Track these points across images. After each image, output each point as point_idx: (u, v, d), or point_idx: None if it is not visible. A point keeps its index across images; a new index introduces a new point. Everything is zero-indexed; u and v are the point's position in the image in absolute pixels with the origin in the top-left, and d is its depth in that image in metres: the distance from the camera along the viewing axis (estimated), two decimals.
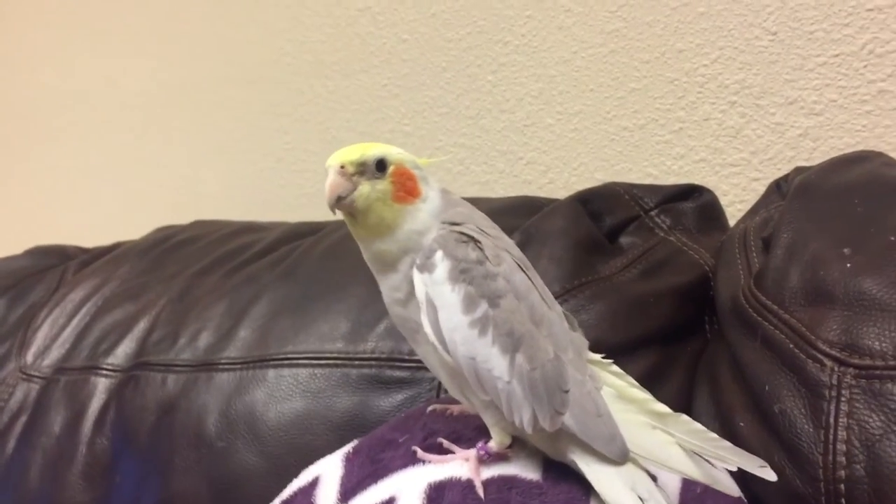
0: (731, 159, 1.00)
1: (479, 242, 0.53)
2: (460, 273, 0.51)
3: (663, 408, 0.52)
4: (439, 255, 0.52)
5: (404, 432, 0.59)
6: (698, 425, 0.51)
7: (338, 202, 0.51)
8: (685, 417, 0.52)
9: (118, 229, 1.30)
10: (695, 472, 0.50)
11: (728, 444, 0.50)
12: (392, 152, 0.53)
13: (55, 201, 1.70)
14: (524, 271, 0.54)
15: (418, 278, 0.52)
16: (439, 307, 0.51)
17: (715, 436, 0.51)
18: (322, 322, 0.83)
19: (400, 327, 0.57)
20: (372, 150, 0.52)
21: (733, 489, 0.51)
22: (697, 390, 0.73)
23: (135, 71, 1.54)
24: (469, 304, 0.51)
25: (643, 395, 0.53)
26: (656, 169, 1.05)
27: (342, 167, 0.51)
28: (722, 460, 0.50)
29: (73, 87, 1.63)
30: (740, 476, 0.62)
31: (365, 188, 0.51)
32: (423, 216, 0.53)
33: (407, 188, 0.53)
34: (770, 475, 0.50)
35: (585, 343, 0.55)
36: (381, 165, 0.52)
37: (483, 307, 0.51)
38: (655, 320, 0.76)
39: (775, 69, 0.96)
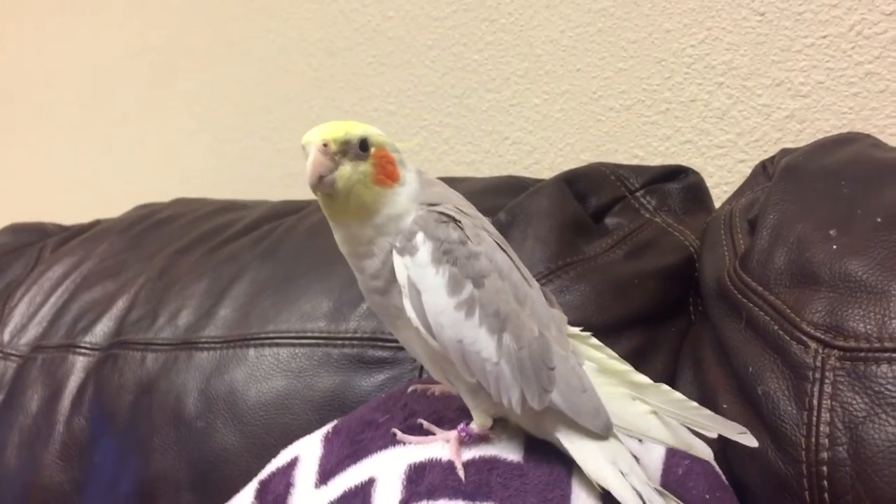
0: (717, 141, 1.00)
1: (459, 222, 0.51)
2: (443, 254, 0.50)
3: (643, 378, 0.52)
4: (420, 236, 0.50)
5: (385, 412, 0.58)
6: (678, 394, 0.51)
7: (319, 182, 0.49)
8: (665, 387, 0.52)
9: (98, 207, 1.29)
10: (671, 440, 0.50)
11: (708, 412, 0.51)
12: (374, 133, 0.51)
13: (34, 178, 1.68)
14: (503, 250, 0.53)
15: (399, 262, 0.50)
16: (423, 290, 0.50)
17: (695, 404, 0.51)
18: (304, 301, 0.83)
19: (379, 314, 0.56)
20: (356, 129, 0.50)
21: (708, 455, 0.51)
22: (681, 371, 0.73)
23: (117, 48, 1.52)
24: (454, 286, 0.50)
25: (623, 366, 0.53)
26: (642, 150, 1.04)
27: (325, 145, 0.49)
28: (702, 428, 0.50)
29: (53, 64, 1.61)
30: (724, 459, 0.62)
31: (346, 169, 0.49)
32: (402, 200, 0.51)
33: (387, 171, 0.51)
34: (750, 441, 0.50)
35: (565, 318, 0.55)
36: (363, 146, 0.50)
37: (468, 288, 0.50)
38: (640, 301, 0.75)
39: (763, 50, 0.95)
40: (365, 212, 0.51)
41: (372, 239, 0.51)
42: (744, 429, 0.50)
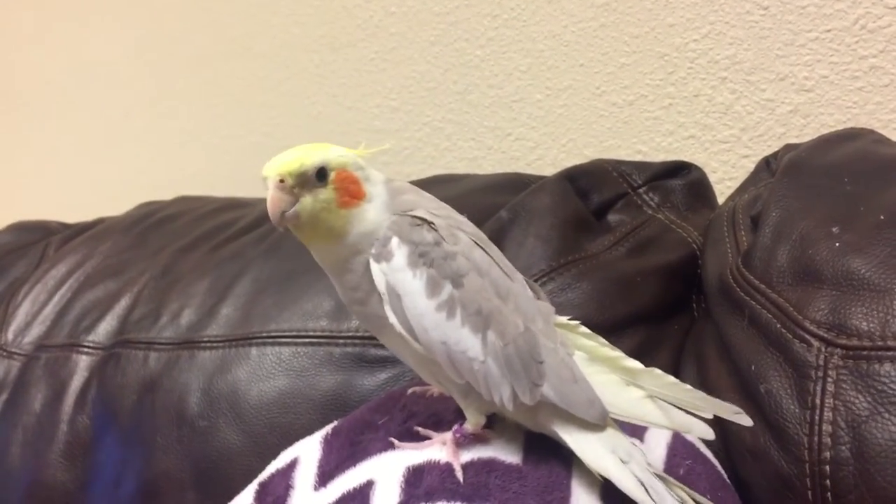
0: (720, 136, 0.99)
1: (433, 224, 0.51)
2: (419, 257, 0.50)
3: (635, 364, 0.52)
4: (395, 241, 0.50)
5: (384, 414, 0.58)
6: (671, 378, 0.51)
7: (281, 218, 0.49)
8: (658, 371, 0.52)
9: (101, 205, 1.29)
10: (668, 423, 0.50)
11: (702, 394, 0.51)
12: (331, 157, 0.50)
13: (38, 176, 1.68)
14: (481, 247, 0.53)
15: (376, 268, 0.50)
16: (403, 295, 0.50)
17: (689, 387, 0.51)
18: (306, 300, 0.82)
19: (364, 323, 0.56)
20: (311, 159, 0.49)
21: (708, 434, 0.50)
22: (684, 369, 0.73)
23: (119, 46, 1.52)
24: (433, 288, 0.50)
25: (614, 353, 0.53)
26: (646, 145, 1.04)
27: (281, 180, 0.49)
28: (697, 410, 0.50)
29: (56, 63, 1.61)
30: (726, 459, 0.62)
31: (307, 201, 0.49)
32: (371, 216, 0.51)
33: (351, 192, 0.50)
34: (745, 420, 0.50)
35: (552, 309, 0.54)
36: (321, 174, 0.49)
37: (447, 289, 0.50)
38: (642, 299, 0.75)
39: (766, 44, 0.95)
40: (334, 235, 0.51)
41: (347, 257, 0.51)
42: (738, 409, 0.50)
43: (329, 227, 0.50)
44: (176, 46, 1.44)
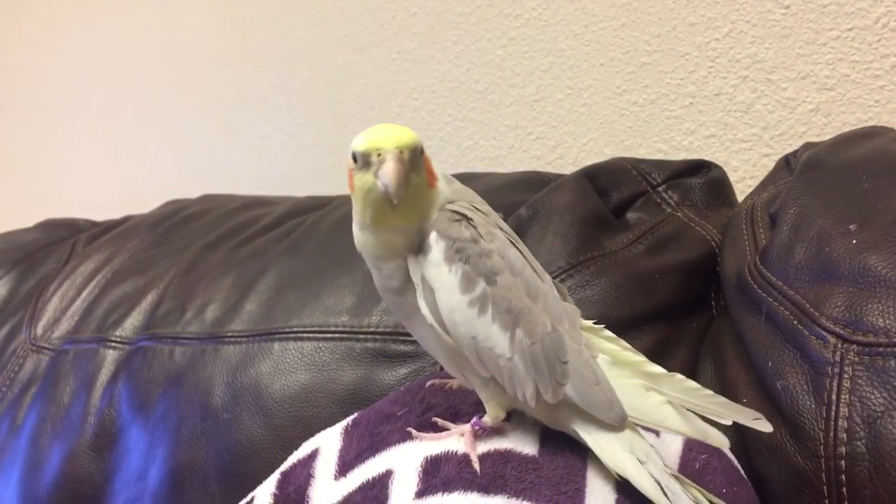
0: (741, 135, 0.99)
1: (472, 220, 0.52)
2: (456, 253, 0.51)
3: (657, 369, 0.53)
4: (433, 235, 0.51)
5: (403, 406, 0.59)
6: (692, 383, 0.52)
7: (399, 192, 0.47)
8: (679, 376, 0.52)
9: (128, 203, 1.31)
10: (686, 429, 0.50)
11: (723, 399, 0.51)
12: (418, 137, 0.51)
13: (66, 174, 1.71)
14: (516, 246, 0.54)
15: (413, 260, 0.51)
16: (437, 288, 0.51)
17: (710, 392, 0.51)
18: (327, 296, 0.84)
19: (395, 311, 0.56)
20: (415, 135, 0.49)
21: (724, 443, 0.51)
22: (702, 366, 0.73)
23: (145, 46, 1.54)
24: (467, 284, 0.51)
25: (637, 357, 0.53)
26: (666, 144, 1.04)
27: (400, 152, 0.48)
28: (717, 416, 0.51)
29: (84, 60, 1.64)
30: (743, 454, 0.62)
31: (414, 177, 0.49)
32: (439, 199, 0.52)
33: (432, 174, 0.52)
34: (765, 426, 0.50)
35: (577, 312, 0.55)
36: (420, 151, 0.50)
37: (481, 285, 0.51)
38: (661, 296, 0.76)
39: (787, 43, 0.95)
40: (417, 215, 0.51)
41: (403, 241, 0.51)
42: (758, 414, 0.50)
43: (420, 206, 0.51)
44: (202, 48, 1.46)
